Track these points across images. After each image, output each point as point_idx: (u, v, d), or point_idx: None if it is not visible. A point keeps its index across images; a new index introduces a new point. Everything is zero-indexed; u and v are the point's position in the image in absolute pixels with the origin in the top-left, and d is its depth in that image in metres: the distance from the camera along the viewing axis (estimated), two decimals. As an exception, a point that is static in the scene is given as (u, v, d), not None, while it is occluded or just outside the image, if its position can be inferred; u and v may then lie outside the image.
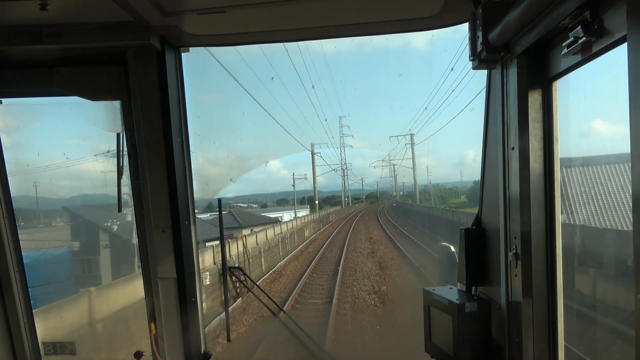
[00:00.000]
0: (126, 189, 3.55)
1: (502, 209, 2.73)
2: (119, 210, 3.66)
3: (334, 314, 17.76)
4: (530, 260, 2.55)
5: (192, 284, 3.53)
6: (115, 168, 3.56)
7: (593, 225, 11.25)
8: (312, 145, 75.69)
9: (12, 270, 3.64)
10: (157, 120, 3.29)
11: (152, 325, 3.53)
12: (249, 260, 26.50)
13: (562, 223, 2.55)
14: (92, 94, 3.37)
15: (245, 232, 35.22)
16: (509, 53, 2.56)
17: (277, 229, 37.55)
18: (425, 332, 3.25)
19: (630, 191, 1.64)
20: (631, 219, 1.63)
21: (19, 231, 3.68)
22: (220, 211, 3.93)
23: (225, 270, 3.77)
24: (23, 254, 3.69)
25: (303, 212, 72.36)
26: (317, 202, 77.59)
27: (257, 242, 30.21)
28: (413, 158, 77.63)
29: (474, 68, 2.79)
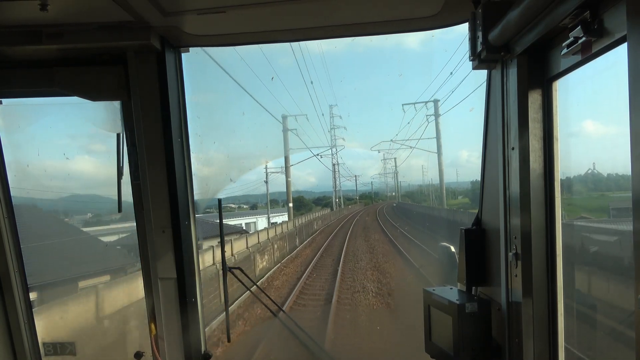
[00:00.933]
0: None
1: (502, 209, 2.73)
2: (119, 210, 3.66)
3: None
4: (530, 260, 2.55)
5: (192, 284, 3.53)
6: (115, 168, 3.56)
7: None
8: (284, 117, 54.70)
9: (12, 270, 3.64)
10: (157, 120, 3.29)
11: (152, 326, 3.53)
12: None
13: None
14: (92, 94, 3.37)
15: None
16: (509, 53, 2.56)
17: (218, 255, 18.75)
18: (425, 332, 3.25)
19: (631, 191, 1.64)
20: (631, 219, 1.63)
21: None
22: (220, 211, 3.93)
23: (225, 270, 3.76)
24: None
25: (280, 218, 56.97)
26: (290, 204, 55.91)
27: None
28: (438, 135, 49.72)
29: (474, 68, 2.79)
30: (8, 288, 3.65)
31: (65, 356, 3.89)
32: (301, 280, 23.59)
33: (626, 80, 1.65)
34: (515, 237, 2.62)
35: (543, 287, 2.56)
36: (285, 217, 54.25)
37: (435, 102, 49.21)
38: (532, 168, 2.53)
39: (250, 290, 4.16)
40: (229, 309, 3.97)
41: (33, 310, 3.77)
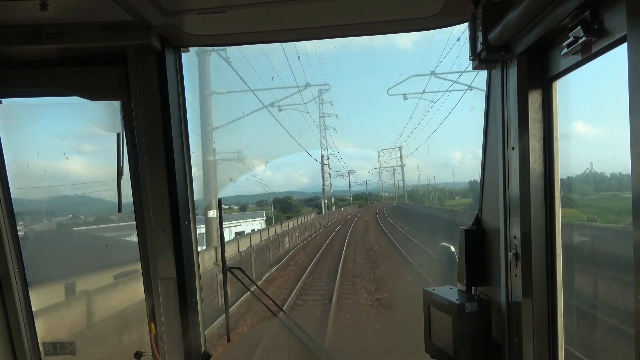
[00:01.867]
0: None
1: (502, 209, 2.73)
2: (119, 210, 3.66)
3: None
4: (530, 260, 2.55)
5: (192, 284, 3.53)
6: (115, 168, 3.56)
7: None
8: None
9: (12, 270, 3.64)
10: (157, 120, 3.29)
11: (152, 326, 3.53)
12: None
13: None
14: (92, 94, 3.37)
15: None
16: (509, 53, 2.56)
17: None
18: (425, 332, 3.25)
19: (631, 191, 1.64)
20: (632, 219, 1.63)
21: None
22: (220, 211, 3.94)
23: (225, 270, 3.76)
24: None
25: (253, 225, 43.20)
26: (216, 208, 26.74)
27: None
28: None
29: (474, 68, 2.79)
30: (8, 288, 3.65)
31: (65, 356, 3.89)
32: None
33: (626, 80, 1.65)
34: (515, 237, 2.62)
35: (543, 287, 2.56)
36: (252, 226, 40.11)
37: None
38: (532, 168, 2.53)
39: (250, 290, 4.16)
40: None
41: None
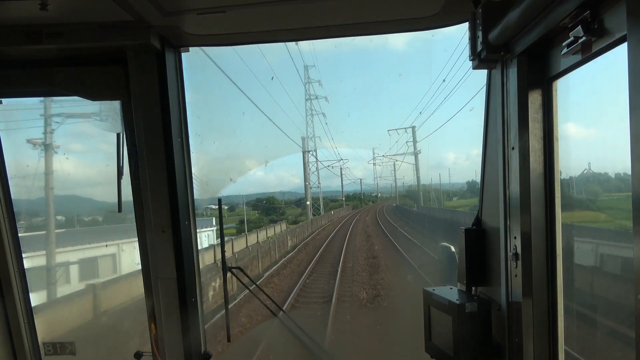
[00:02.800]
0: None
1: (502, 209, 2.73)
2: (119, 210, 3.66)
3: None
4: (530, 260, 2.55)
5: (192, 284, 3.53)
6: (115, 168, 3.56)
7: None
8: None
9: (12, 270, 3.64)
10: (157, 120, 3.29)
11: (152, 326, 3.53)
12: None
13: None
14: (92, 94, 3.37)
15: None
16: (509, 53, 2.56)
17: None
18: (425, 332, 3.25)
19: (631, 191, 1.64)
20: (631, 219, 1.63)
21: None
22: (220, 211, 3.94)
23: (225, 270, 3.76)
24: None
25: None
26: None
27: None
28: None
29: (474, 68, 2.79)
30: (8, 288, 3.65)
31: (65, 356, 3.89)
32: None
33: (626, 80, 1.65)
34: (515, 237, 2.62)
35: (543, 287, 2.56)
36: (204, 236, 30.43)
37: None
38: (532, 168, 2.53)
39: (250, 290, 4.16)
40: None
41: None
